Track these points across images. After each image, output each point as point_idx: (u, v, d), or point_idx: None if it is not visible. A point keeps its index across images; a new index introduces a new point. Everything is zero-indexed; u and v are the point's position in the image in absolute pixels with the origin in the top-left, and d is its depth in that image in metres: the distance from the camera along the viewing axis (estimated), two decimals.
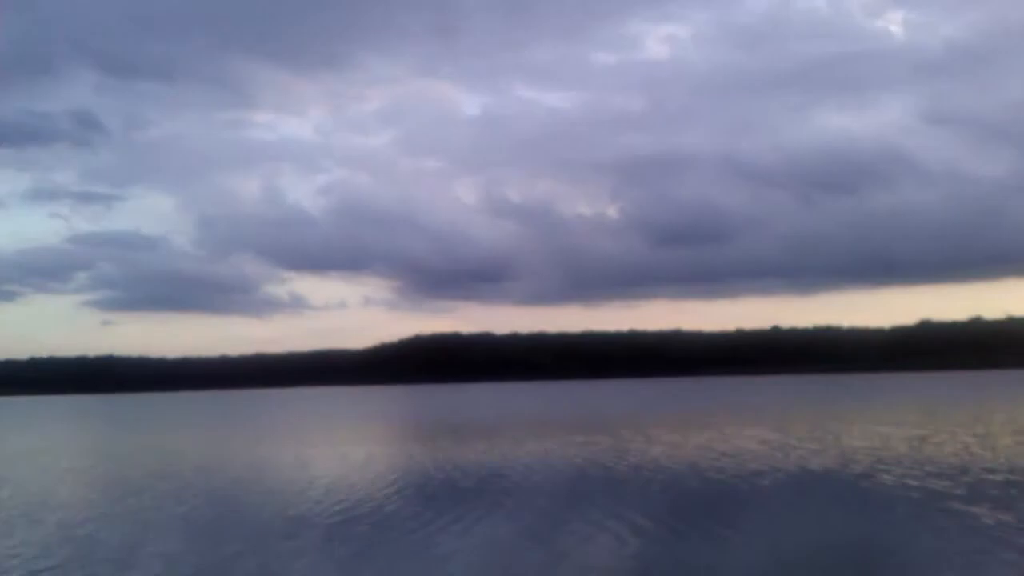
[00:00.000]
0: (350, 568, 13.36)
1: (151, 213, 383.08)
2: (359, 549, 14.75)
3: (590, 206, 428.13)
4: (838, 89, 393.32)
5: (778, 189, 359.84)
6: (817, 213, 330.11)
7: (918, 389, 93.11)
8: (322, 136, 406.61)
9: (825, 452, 28.12)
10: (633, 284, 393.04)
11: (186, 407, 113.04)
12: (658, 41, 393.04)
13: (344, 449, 35.27)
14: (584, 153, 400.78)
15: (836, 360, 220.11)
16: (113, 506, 21.08)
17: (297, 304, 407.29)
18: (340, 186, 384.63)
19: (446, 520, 17.32)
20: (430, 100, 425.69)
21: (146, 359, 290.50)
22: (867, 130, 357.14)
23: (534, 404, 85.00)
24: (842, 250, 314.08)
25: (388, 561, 13.69)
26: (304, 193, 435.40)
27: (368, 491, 21.99)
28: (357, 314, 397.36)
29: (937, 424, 39.39)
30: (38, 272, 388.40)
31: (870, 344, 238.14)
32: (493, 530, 16.47)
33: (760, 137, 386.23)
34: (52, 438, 53.29)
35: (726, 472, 23.69)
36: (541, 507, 19.08)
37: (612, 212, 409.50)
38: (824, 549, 14.09)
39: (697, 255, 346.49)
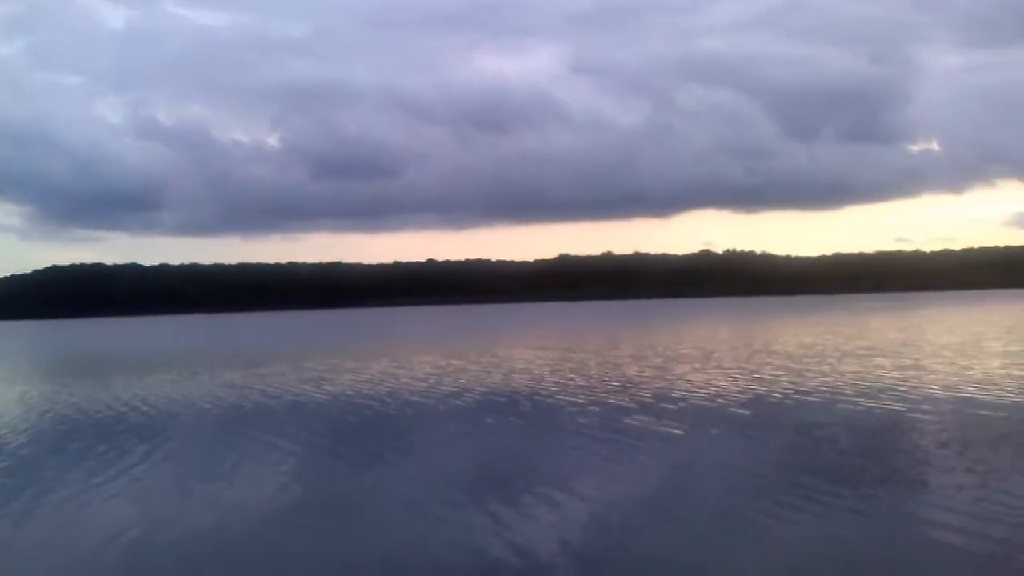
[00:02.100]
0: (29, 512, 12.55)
1: None
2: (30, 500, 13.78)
3: (248, 133, 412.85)
4: (496, 34, 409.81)
5: (437, 126, 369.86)
6: (472, 151, 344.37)
7: (560, 317, 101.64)
8: None
9: (493, 374, 30.17)
10: (293, 216, 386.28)
11: None
12: None
13: None
14: (242, 77, 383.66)
15: (486, 291, 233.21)
16: None
17: None
18: None
19: (128, 460, 16.47)
20: (68, 9, 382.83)
21: None
22: (520, 75, 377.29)
23: (193, 337, 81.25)
24: (494, 188, 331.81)
25: (69, 507, 13.02)
26: None
27: (22, 433, 20.39)
28: None
29: (581, 347, 44.00)
30: None
31: (516, 276, 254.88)
32: (168, 468, 15.80)
33: (422, 74, 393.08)
34: None
35: (408, 396, 24.59)
36: (220, 441, 18.71)
37: (272, 141, 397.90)
38: (489, 461, 15.21)
39: (358, 188, 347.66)
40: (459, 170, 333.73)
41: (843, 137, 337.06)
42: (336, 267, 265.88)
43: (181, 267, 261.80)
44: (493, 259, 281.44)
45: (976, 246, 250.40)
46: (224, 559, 10.18)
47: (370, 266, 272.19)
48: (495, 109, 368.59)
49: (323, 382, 29.89)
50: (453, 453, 16.19)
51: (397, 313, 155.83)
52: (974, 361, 29.04)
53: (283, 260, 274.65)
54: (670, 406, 20.69)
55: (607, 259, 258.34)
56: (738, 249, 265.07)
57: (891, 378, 24.86)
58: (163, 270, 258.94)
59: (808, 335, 48.10)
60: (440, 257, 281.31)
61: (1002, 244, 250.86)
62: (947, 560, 8.91)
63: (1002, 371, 25.82)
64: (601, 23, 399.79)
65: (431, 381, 28.66)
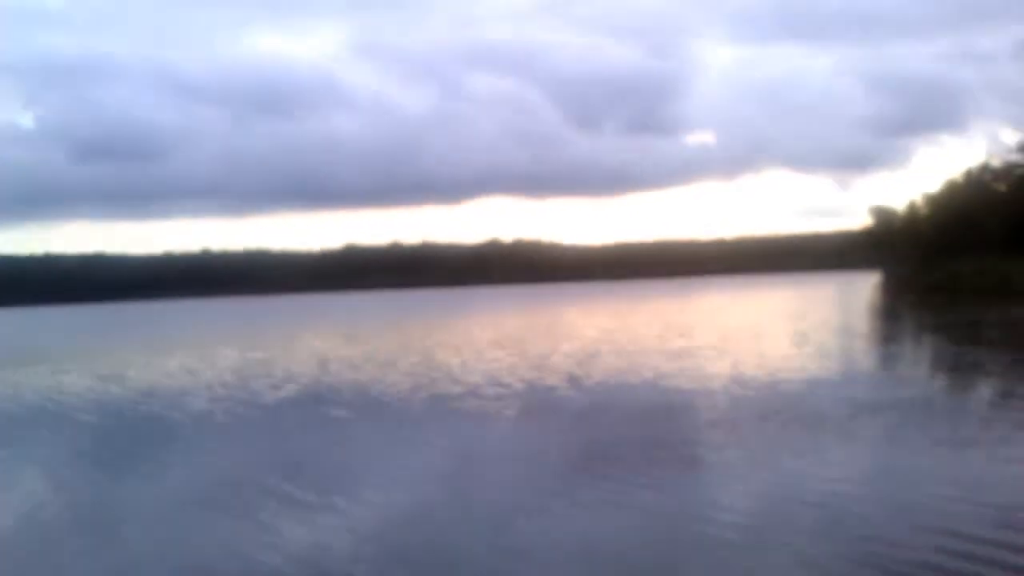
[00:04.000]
0: None
1: None
2: None
3: None
4: (273, 11, 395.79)
5: (211, 106, 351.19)
6: (251, 134, 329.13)
7: (350, 308, 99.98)
8: None
9: (298, 368, 28.62)
10: (50, 203, 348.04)
11: None
12: None
13: None
14: None
15: (267, 283, 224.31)
16: None
17: None
18: None
19: None
20: None
21: None
22: (301, 55, 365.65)
23: None
24: (275, 173, 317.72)
25: None
26: None
27: None
28: None
29: (379, 338, 43.58)
30: None
31: (299, 267, 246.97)
32: None
33: (194, 50, 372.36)
34: None
35: (208, 394, 22.65)
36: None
37: (25, 120, 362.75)
38: (309, 455, 14.36)
39: (123, 172, 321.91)
40: (236, 153, 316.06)
41: (625, 127, 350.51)
42: (99, 258, 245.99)
43: None
44: (275, 249, 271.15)
45: (747, 233, 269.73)
46: None
47: (138, 257, 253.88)
48: (273, 89, 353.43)
49: (113, 381, 26.96)
50: (265, 450, 15.16)
51: (171, 308, 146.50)
52: (746, 343, 30.60)
53: (39, 251, 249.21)
54: (475, 395, 20.16)
55: (395, 249, 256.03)
56: (525, 237, 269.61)
57: (670, 361, 25.41)
58: None
59: (598, 322, 49.96)
60: (217, 246, 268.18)
61: (771, 231, 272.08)
62: (715, 532, 9.02)
63: (770, 351, 27.29)
64: (382, 4, 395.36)
65: (232, 378, 26.64)
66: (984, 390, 18.71)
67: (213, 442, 15.88)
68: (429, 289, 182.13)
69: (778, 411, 15.72)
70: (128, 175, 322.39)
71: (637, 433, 14.62)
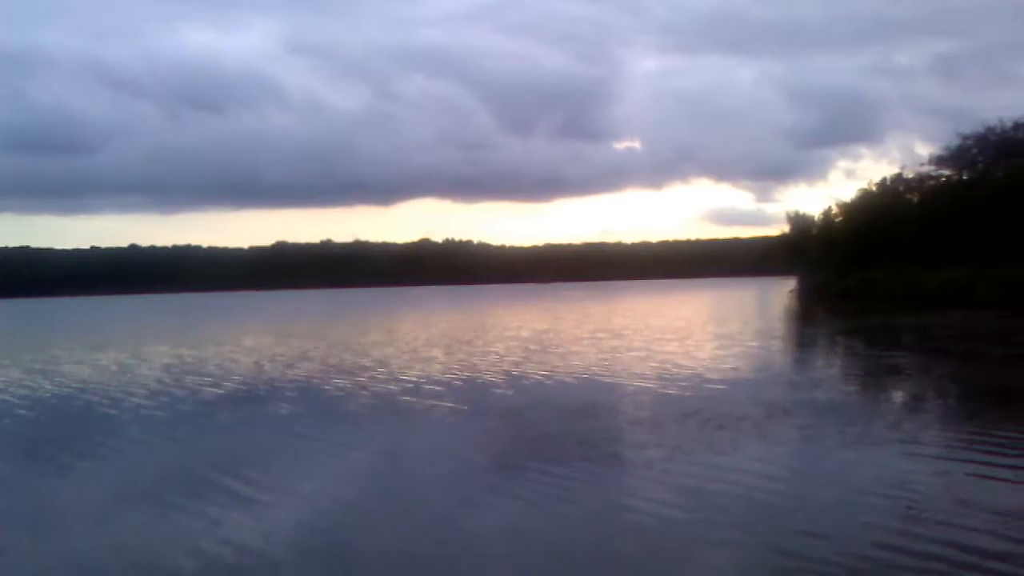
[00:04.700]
0: None
1: None
2: None
3: None
4: (208, 6, 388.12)
5: (142, 100, 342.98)
6: (182, 130, 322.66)
7: (282, 306, 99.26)
8: None
9: (239, 364, 28.52)
10: None
11: None
12: None
13: None
14: None
15: (196, 279, 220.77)
16: None
17: None
18: None
19: None
20: None
21: None
22: (232, 51, 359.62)
23: None
24: (205, 170, 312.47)
25: None
26: None
27: None
28: None
29: (305, 338, 43.10)
30: None
31: (229, 264, 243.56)
32: None
33: (123, 43, 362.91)
34: None
35: (154, 388, 22.47)
36: None
37: None
38: (262, 451, 14.39)
39: (51, 165, 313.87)
40: (167, 149, 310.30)
41: (555, 133, 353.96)
42: (23, 251, 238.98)
43: None
44: (204, 245, 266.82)
45: (671, 238, 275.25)
46: None
47: (64, 251, 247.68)
48: (206, 85, 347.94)
49: (44, 376, 26.34)
50: (203, 445, 15.21)
51: (98, 303, 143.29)
52: (669, 344, 31.42)
53: None
54: (411, 392, 20.53)
55: (326, 247, 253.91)
56: (456, 238, 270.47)
57: (599, 361, 26.24)
58: None
59: (529, 322, 51.00)
60: (145, 243, 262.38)
61: (693, 237, 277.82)
62: (636, 527, 9.33)
63: (691, 353, 28.08)
64: (317, 3, 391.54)
65: (166, 374, 26.38)
66: (893, 392, 19.70)
67: (149, 437, 15.70)
68: (360, 288, 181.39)
69: (699, 410, 16.28)
70: (56, 168, 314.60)
71: (567, 430, 14.86)
